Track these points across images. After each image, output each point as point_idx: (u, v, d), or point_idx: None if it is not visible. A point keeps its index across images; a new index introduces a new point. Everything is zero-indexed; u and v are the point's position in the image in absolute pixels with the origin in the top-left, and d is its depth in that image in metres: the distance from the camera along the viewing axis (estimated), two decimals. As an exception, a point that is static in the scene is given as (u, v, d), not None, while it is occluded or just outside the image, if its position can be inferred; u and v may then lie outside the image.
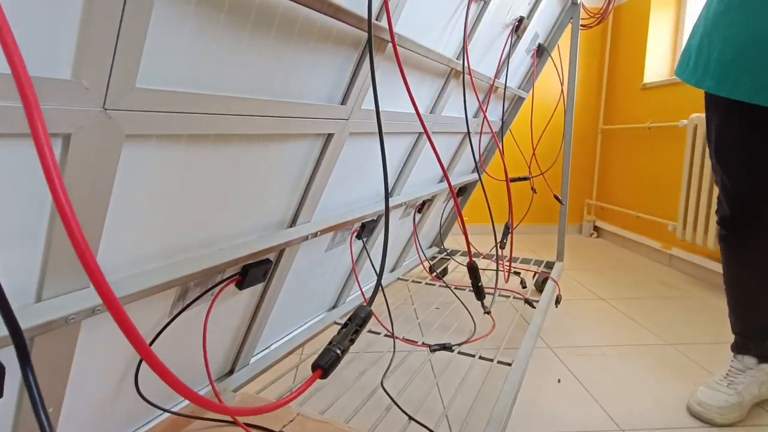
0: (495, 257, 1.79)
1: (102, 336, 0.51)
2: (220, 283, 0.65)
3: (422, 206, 1.41)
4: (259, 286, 0.76)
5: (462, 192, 1.80)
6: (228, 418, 0.62)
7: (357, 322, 0.47)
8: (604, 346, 1.28)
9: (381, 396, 0.96)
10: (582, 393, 1.04)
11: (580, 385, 1.07)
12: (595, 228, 2.75)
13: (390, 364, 0.86)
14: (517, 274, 1.69)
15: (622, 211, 2.46)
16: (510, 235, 1.36)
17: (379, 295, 1.45)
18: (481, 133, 1.30)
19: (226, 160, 0.55)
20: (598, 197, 2.74)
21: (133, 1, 0.35)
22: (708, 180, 1.74)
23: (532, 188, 1.64)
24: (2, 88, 0.30)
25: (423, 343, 0.98)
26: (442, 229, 1.83)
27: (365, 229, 1.04)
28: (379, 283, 0.48)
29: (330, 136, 0.71)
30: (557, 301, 1.48)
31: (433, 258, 1.76)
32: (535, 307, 1.23)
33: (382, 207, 0.99)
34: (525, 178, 1.59)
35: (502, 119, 1.61)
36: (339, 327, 0.48)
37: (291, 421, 0.64)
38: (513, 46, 1.29)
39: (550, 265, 1.65)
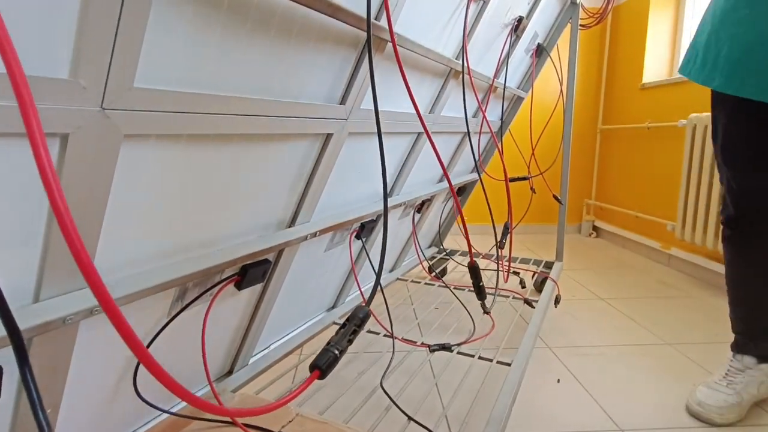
0: (495, 257, 1.79)
1: (100, 336, 0.51)
2: (219, 283, 0.65)
3: (421, 206, 1.41)
4: (258, 287, 0.76)
5: (461, 192, 1.80)
6: (227, 418, 0.62)
7: (355, 323, 0.47)
8: (603, 345, 1.28)
9: (380, 396, 0.96)
10: (581, 393, 1.04)
11: (579, 385, 1.07)
12: (594, 228, 2.75)
13: (389, 365, 0.86)
14: (517, 274, 1.69)
15: (621, 211, 2.46)
16: (509, 235, 1.36)
17: (379, 295, 1.45)
18: (480, 133, 1.30)
19: (225, 160, 0.55)
20: (597, 197, 2.74)
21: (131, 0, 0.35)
22: (707, 180, 1.74)
23: (531, 188, 1.64)
24: (-1, 87, 0.30)
25: (422, 343, 0.98)
26: (441, 229, 1.83)
27: (364, 229, 1.04)
28: (377, 284, 0.48)
29: (329, 136, 0.71)
30: (556, 301, 1.48)
31: (432, 258, 1.76)
32: (534, 307, 1.23)
33: (381, 207, 0.99)
34: (524, 178, 1.59)
35: (501, 119, 1.61)
36: (338, 327, 0.48)
37: (290, 421, 0.64)
38: (512, 45, 1.29)
39: (549, 265, 1.65)
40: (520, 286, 1.63)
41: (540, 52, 1.61)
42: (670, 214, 2.09)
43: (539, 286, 1.56)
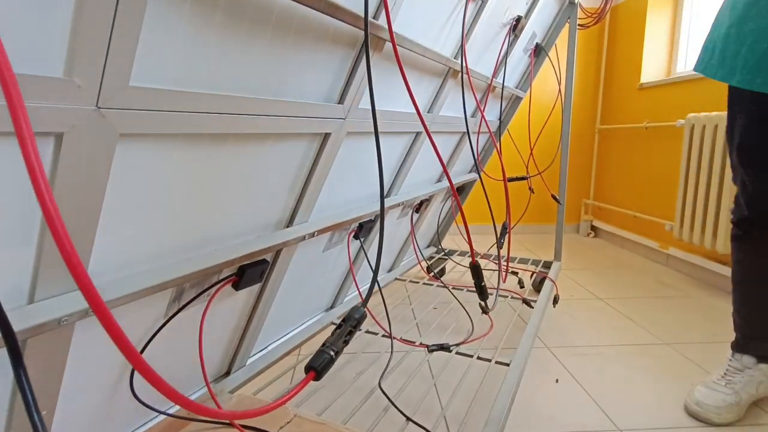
0: (495, 257, 1.79)
1: (96, 337, 0.50)
2: (216, 283, 0.65)
3: (420, 206, 1.41)
4: (256, 287, 0.76)
5: (459, 192, 1.80)
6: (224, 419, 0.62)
7: (351, 323, 0.46)
8: (601, 345, 1.28)
9: (379, 397, 0.95)
10: (580, 393, 1.03)
11: (578, 385, 1.07)
12: (593, 228, 2.75)
13: (388, 365, 0.86)
14: (515, 273, 1.69)
15: (620, 211, 2.46)
16: (507, 235, 1.36)
17: (378, 296, 1.45)
18: (478, 133, 1.30)
19: (222, 159, 0.55)
20: (595, 197, 2.74)
21: (127, -2, 0.34)
22: (705, 180, 1.74)
23: (530, 188, 1.64)
24: (-7, 86, 0.30)
25: (421, 344, 0.97)
26: (440, 229, 1.83)
27: (363, 229, 1.03)
28: (373, 284, 0.48)
29: (327, 135, 0.71)
30: (555, 301, 1.48)
31: (431, 258, 1.75)
32: (532, 307, 1.23)
33: (380, 207, 0.99)
34: (523, 178, 1.59)
35: (500, 119, 1.61)
36: (334, 328, 0.48)
37: (288, 422, 0.64)
38: (510, 45, 1.29)
39: (547, 265, 1.65)
40: (518, 285, 1.63)
41: (538, 51, 1.61)
42: (669, 214, 2.09)
43: (538, 286, 1.56)
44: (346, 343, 0.45)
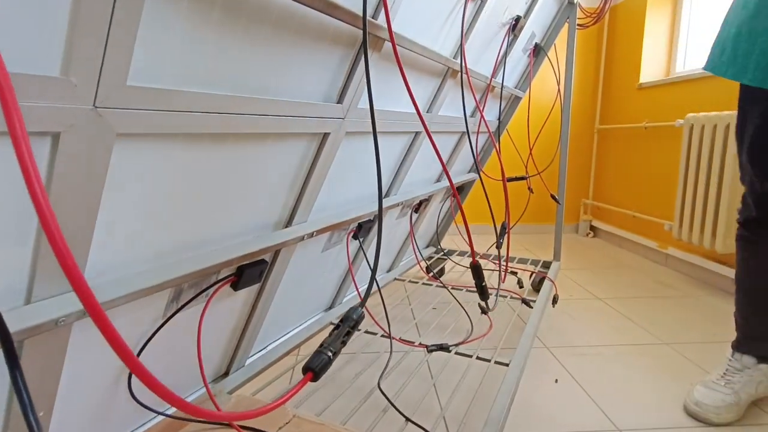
0: (495, 257, 1.79)
1: (94, 338, 0.50)
2: (215, 284, 0.65)
3: (419, 206, 1.41)
4: (255, 287, 0.75)
5: (459, 192, 1.80)
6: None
7: (349, 324, 0.46)
8: (600, 345, 1.28)
9: (378, 397, 0.95)
10: (579, 393, 1.03)
11: (577, 385, 1.06)
12: (592, 227, 2.75)
13: (387, 365, 0.86)
14: (514, 273, 1.69)
15: (619, 211, 2.46)
16: (507, 235, 1.36)
17: (377, 296, 1.45)
18: (478, 133, 1.29)
19: (220, 159, 0.54)
20: (594, 197, 2.74)
21: (124, -3, 0.34)
22: (704, 179, 1.74)
23: (529, 188, 1.64)
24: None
25: (420, 344, 0.97)
26: (439, 229, 1.83)
27: (362, 230, 1.03)
28: (371, 284, 0.47)
29: (326, 135, 0.71)
30: (554, 301, 1.48)
31: (430, 258, 1.75)
32: (532, 307, 1.23)
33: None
34: (522, 178, 1.59)
35: (499, 119, 1.60)
36: (332, 328, 0.48)
37: (287, 423, 0.64)
38: (510, 45, 1.29)
39: (546, 265, 1.65)
40: (517, 285, 1.63)
41: (537, 51, 1.61)
42: (668, 214, 2.09)
43: (537, 286, 1.56)
44: (344, 343, 0.44)
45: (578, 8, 1.61)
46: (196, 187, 0.53)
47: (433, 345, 0.95)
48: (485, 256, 1.78)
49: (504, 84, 1.48)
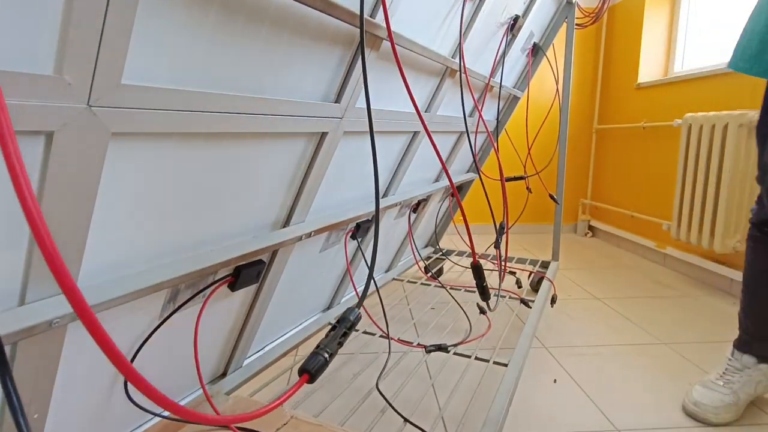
0: (495, 257, 1.79)
1: (90, 339, 0.49)
2: (212, 284, 0.64)
3: (417, 206, 1.41)
4: (253, 287, 0.75)
5: (458, 192, 1.80)
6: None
7: (345, 325, 0.46)
8: (599, 345, 1.27)
9: (376, 398, 0.95)
10: (578, 393, 1.03)
11: (576, 385, 1.06)
12: (590, 227, 2.75)
13: (385, 366, 0.86)
14: (513, 273, 1.69)
15: (617, 211, 2.46)
16: (505, 235, 1.36)
17: (375, 296, 1.44)
18: (476, 133, 1.30)
19: (217, 159, 0.54)
20: (592, 197, 2.74)
21: (118, -6, 0.34)
22: (702, 179, 1.74)
23: (528, 188, 1.64)
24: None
25: (418, 344, 0.97)
26: (438, 229, 1.83)
27: (360, 230, 1.03)
28: (368, 284, 0.47)
29: (324, 135, 0.70)
30: (553, 301, 1.48)
31: (429, 258, 1.75)
32: (530, 307, 1.22)
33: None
34: (520, 178, 1.59)
35: (497, 118, 1.60)
36: (329, 329, 0.47)
37: (285, 424, 0.63)
38: (508, 45, 1.29)
39: (545, 265, 1.65)
40: (516, 285, 1.63)
41: (536, 51, 1.61)
42: (666, 214, 2.09)
43: (535, 286, 1.56)
44: (341, 344, 0.44)
45: (577, 8, 1.61)
46: (192, 187, 0.53)
47: (431, 345, 0.95)
48: (484, 256, 1.78)
49: (502, 84, 1.48)
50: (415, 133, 1.06)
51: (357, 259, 1.12)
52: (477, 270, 0.76)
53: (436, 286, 1.43)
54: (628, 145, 2.39)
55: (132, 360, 0.58)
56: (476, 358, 0.93)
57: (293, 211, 0.74)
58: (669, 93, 2.09)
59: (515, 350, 0.94)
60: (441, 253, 1.80)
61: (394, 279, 1.46)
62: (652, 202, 2.20)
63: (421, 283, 1.45)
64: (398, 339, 1.00)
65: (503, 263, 1.59)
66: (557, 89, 1.78)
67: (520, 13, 1.24)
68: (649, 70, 2.30)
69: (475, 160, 0.93)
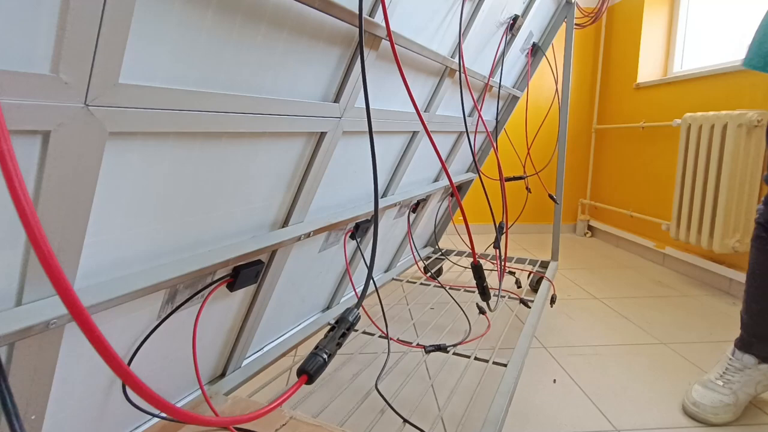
0: (495, 257, 1.79)
1: (87, 340, 0.49)
2: (210, 284, 0.64)
3: (417, 206, 1.41)
4: (251, 288, 0.75)
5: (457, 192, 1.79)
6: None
7: (345, 326, 0.46)
8: (598, 345, 1.27)
9: (375, 398, 0.95)
10: (577, 393, 1.03)
11: (575, 385, 1.06)
12: (589, 227, 2.75)
13: (384, 366, 0.85)
14: (512, 273, 1.69)
15: (616, 211, 2.46)
16: (504, 235, 1.36)
17: (374, 296, 1.44)
18: (476, 132, 1.29)
19: (215, 158, 0.54)
20: (592, 196, 2.74)
21: (116, -8, 0.33)
22: (701, 179, 1.74)
23: (527, 188, 1.64)
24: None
25: (418, 344, 0.97)
26: (437, 229, 1.83)
27: (359, 229, 1.03)
28: (367, 285, 0.47)
29: (323, 134, 0.70)
30: (552, 301, 1.48)
31: (428, 258, 1.75)
32: (530, 307, 1.22)
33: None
34: (520, 178, 1.58)
35: (497, 118, 1.60)
36: (327, 330, 0.47)
37: (283, 425, 0.63)
38: (508, 44, 1.29)
39: (544, 265, 1.65)
40: (515, 285, 1.63)
41: (535, 51, 1.61)
42: (665, 214, 2.09)
43: (535, 286, 1.56)
44: (340, 345, 0.44)
45: (576, 8, 1.61)
46: (190, 187, 0.53)
47: (430, 345, 0.95)
48: (483, 256, 1.78)
49: (502, 83, 1.48)
50: (415, 133, 1.06)
51: (356, 259, 1.12)
52: (477, 270, 0.76)
53: (435, 286, 1.43)
54: (628, 145, 2.39)
55: (130, 360, 0.58)
56: (476, 359, 0.93)
57: (292, 211, 0.74)
58: (668, 93, 2.09)
59: (515, 350, 0.94)
60: (440, 253, 1.80)
61: (393, 279, 1.46)
62: (652, 202, 2.20)
63: (421, 283, 1.44)
64: (397, 339, 1.00)
65: (503, 263, 1.59)
66: (556, 89, 1.78)
67: (519, 13, 1.24)
68: (648, 70, 2.30)
69: (474, 160, 0.92)
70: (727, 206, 1.63)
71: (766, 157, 1.60)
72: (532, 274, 1.60)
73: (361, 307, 0.48)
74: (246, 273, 0.67)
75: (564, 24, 1.61)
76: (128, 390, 0.59)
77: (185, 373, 0.70)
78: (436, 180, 1.43)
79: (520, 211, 2.69)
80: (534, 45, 1.58)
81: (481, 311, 1.17)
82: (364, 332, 1.04)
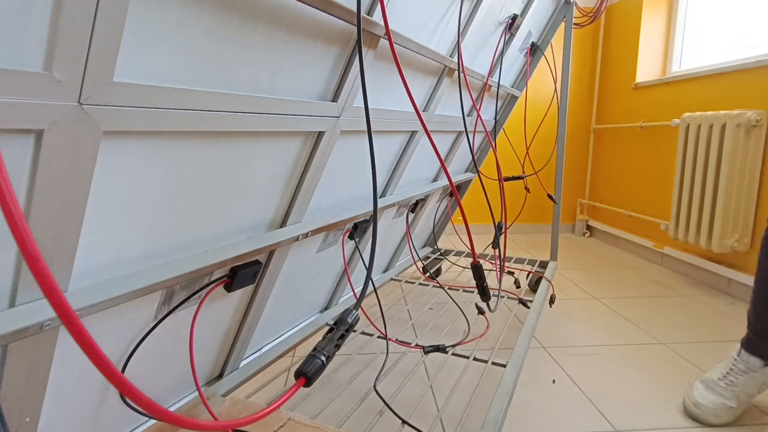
0: (493, 257, 1.78)
1: (82, 342, 0.49)
2: (207, 285, 0.63)
3: (415, 206, 1.40)
4: (249, 288, 0.74)
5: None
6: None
7: (343, 327, 0.45)
8: (597, 345, 1.27)
9: (374, 399, 0.94)
10: (577, 393, 1.03)
11: (574, 386, 1.06)
12: (588, 227, 2.75)
13: (383, 367, 0.85)
14: (511, 273, 1.69)
15: (615, 211, 2.46)
16: (503, 235, 1.35)
17: (373, 296, 1.44)
18: (474, 132, 1.29)
19: (212, 158, 0.53)
20: (590, 196, 2.74)
21: (110, -11, 0.33)
22: (700, 179, 1.74)
23: (526, 187, 1.64)
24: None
25: (416, 345, 0.96)
26: (436, 229, 1.82)
27: (357, 230, 1.02)
28: (366, 285, 0.46)
29: (321, 134, 0.69)
30: (551, 301, 1.48)
31: (427, 258, 1.75)
32: (529, 307, 1.22)
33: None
34: (519, 177, 1.58)
35: (495, 118, 1.60)
36: (326, 331, 0.47)
37: (281, 426, 0.63)
38: (506, 44, 1.29)
39: (543, 265, 1.65)
40: (514, 286, 1.63)
41: (534, 50, 1.61)
42: (664, 214, 2.09)
43: (534, 286, 1.56)
44: (338, 347, 0.43)
45: (575, 7, 1.61)
46: (186, 187, 0.52)
47: (429, 346, 0.94)
48: (482, 256, 1.78)
49: (500, 83, 1.48)
50: (413, 133, 1.05)
51: (355, 259, 1.11)
52: (478, 270, 0.76)
53: (434, 286, 1.43)
54: (626, 144, 2.39)
55: (127, 361, 0.57)
56: (475, 359, 0.92)
57: (290, 211, 0.73)
58: (667, 93, 2.09)
59: (514, 350, 0.94)
60: (439, 253, 1.80)
61: (392, 279, 1.45)
62: (650, 202, 2.20)
63: (419, 284, 1.44)
64: (396, 340, 1.00)
65: (502, 263, 1.59)
66: (555, 89, 1.78)
67: (518, 12, 1.24)
68: (647, 70, 2.30)
69: (473, 160, 0.92)
70: (726, 206, 1.63)
71: None
72: (531, 274, 1.60)
73: (359, 308, 0.48)
74: (243, 273, 0.67)
75: (563, 23, 1.61)
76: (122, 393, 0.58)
77: (183, 374, 0.69)
78: (434, 180, 1.42)
79: (519, 211, 2.69)
80: (533, 44, 1.58)
81: (480, 311, 1.16)
82: (363, 333, 1.04)
